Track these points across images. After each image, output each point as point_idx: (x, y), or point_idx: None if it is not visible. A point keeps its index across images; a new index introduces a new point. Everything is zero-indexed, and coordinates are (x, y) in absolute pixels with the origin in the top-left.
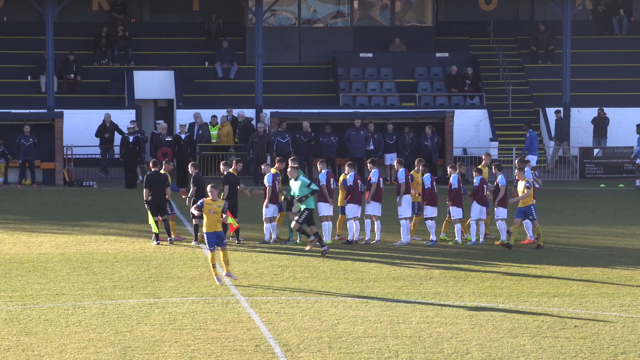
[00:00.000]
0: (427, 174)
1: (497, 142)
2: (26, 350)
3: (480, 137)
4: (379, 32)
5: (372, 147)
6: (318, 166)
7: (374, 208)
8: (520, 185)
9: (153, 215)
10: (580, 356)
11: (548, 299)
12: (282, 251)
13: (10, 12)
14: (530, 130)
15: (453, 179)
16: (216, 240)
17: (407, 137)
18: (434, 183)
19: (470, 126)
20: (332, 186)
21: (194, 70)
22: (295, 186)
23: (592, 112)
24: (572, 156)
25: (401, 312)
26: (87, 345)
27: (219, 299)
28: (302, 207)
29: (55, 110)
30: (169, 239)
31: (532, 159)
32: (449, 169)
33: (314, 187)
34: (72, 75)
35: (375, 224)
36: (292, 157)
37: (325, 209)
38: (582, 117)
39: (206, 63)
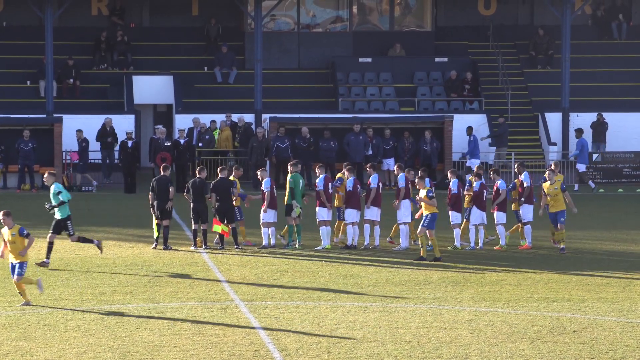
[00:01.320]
0: (426, 179)
1: (495, 147)
2: (25, 355)
3: (479, 142)
4: (378, 37)
5: (370, 152)
6: (317, 171)
7: (372, 213)
8: (422, 193)
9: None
10: None
11: (547, 304)
12: (281, 256)
13: (10, 16)
14: (473, 134)
15: (453, 183)
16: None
17: (407, 142)
18: (433, 188)
19: None
20: (330, 191)
21: (193, 75)
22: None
23: (591, 116)
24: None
25: (400, 317)
26: (86, 350)
27: (218, 303)
28: (300, 210)
29: (55, 115)
30: (235, 246)
31: (474, 162)
32: (449, 174)
33: (62, 197)
34: (72, 80)
35: (375, 229)
36: (291, 162)
37: (324, 214)
38: (581, 122)
39: (205, 68)
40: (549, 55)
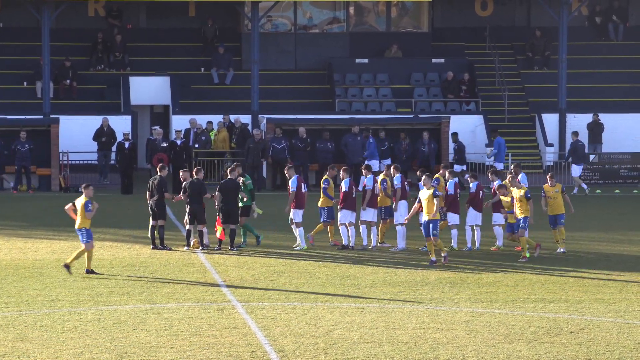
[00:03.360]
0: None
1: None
2: (22, 356)
3: (476, 143)
4: (375, 38)
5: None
6: (286, 173)
7: (368, 214)
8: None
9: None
10: None
11: (544, 304)
12: (278, 257)
13: (7, 18)
14: (371, 136)
15: (449, 184)
16: None
17: (403, 143)
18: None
19: (466, 132)
20: (302, 190)
21: (190, 76)
22: None
23: (588, 117)
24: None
25: (397, 318)
26: (83, 351)
27: (215, 304)
28: (260, 212)
29: (51, 116)
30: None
31: (374, 163)
32: (446, 175)
33: None
34: (68, 81)
35: (372, 230)
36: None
37: (298, 215)
38: (577, 123)
39: (202, 69)
40: (546, 56)
